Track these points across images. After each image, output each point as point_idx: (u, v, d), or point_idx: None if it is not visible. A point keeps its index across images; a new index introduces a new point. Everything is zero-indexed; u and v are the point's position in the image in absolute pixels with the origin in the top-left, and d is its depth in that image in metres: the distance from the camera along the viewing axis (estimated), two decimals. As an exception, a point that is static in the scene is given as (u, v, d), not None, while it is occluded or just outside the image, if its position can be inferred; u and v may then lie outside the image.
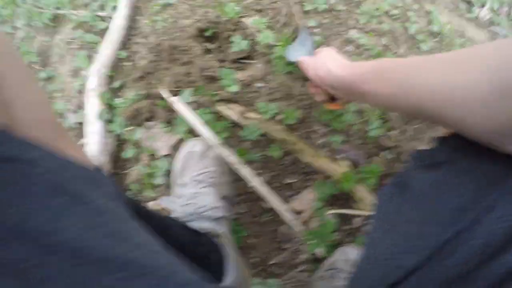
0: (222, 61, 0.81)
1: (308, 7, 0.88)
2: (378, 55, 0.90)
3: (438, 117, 0.35)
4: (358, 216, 0.82)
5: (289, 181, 0.78)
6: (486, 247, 0.31)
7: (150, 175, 0.76)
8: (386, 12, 0.96)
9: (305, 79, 0.81)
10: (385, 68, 0.44)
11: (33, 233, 0.24)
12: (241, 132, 0.75)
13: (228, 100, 0.77)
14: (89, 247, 0.26)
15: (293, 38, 0.80)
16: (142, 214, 0.48)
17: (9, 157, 0.26)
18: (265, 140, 0.77)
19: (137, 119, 0.79)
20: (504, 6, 1.15)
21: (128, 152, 0.78)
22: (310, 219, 0.79)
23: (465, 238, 0.32)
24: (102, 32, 0.94)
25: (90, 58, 0.91)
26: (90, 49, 0.94)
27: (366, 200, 0.79)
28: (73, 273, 0.25)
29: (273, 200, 0.74)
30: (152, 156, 0.77)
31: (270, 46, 0.83)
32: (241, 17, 0.86)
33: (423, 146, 0.94)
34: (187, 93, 0.77)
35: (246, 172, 0.73)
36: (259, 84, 0.81)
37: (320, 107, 0.81)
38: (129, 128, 0.79)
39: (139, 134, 0.78)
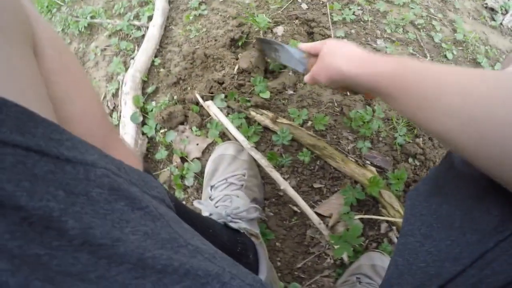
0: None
1: (337, 17, 0.90)
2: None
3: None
4: (385, 221, 0.82)
5: (317, 185, 0.79)
6: None
7: (181, 177, 0.78)
8: (411, 22, 0.98)
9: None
10: (410, 73, 0.37)
11: (96, 243, 0.23)
12: (272, 136, 0.77)
13: (259, 106, 0.79)
14: (150, 258, 0.25)
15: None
16: (185, 214, 0.50)
17: (68, 157, 0.24)
18: (295, 145, 0.79)
19: (170, 122, 0.81)
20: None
21: (160, 154, 0.81)
22: (337, 223, 0.80)
23: (505, 248, 0.31)
24: (137, 40, 0.98)
25: (125, 64, 0.96)
26: (125, 56, 0.98)
27: (393, 206, 0.80)
28: (136, 286, 0.24)
29: (301, 203, 0.75)
30: (183, 159, 0.80)
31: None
32: (272, 27, 0.89)
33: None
34: (220, 98, 0.79)
35: (276, 175, 0.74)
36: (289, 92, 0.83)
37: (348, 114, 0.82)
38: (162, 131, 0.82)
39: (171, 136, 0.80)
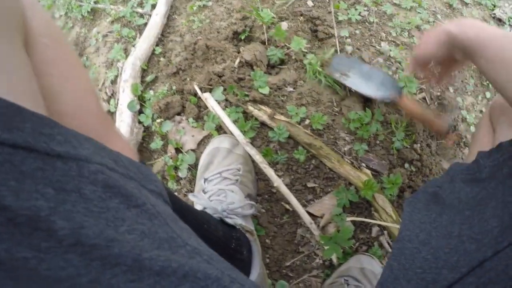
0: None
1: (342, 17, 0.90)
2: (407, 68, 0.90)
3: None
4: (377, 225, 0.82)
5: (311, 185, 0.79)
6: None
7: (175, 168, 0.78)
8: (417, 26, 0.97)
9: (334, 89, 0.83)
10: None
11: (89, 243, 0.21)
12: (268, 133, 0.77)
13: (258, 101, 0.79)
14: (148, 259, 0.23)
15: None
16: (180, 208, 0.48)
17: (59, 153, 0.22)
18: (291, 143, 0.78)
19: (167, 112, 0.81)
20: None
21: (156, 144, 0.80)
22: (328, 224, 0.79)
23: (503, 259, 0.32)
24: (139, 28, 0.97)
25: (125, 51, 0.95)
26: (126, 43, 0.97)
27: (386, 210, 0.79)
28: None
29: (294, 202, 0.75)
30: (178, 150, 0.79)
31: (302, 53, 0.85)
32: (275, 22, 0.88)
33: (445, 162, 0.94)
34: (219, 91, 0.79)
35: (270, 172, 0.74)
36: (289, 89, 0.82)
37: (347, 115, 0.82)
38: (158, 121, 0.81)
39: (167, 127, 0.80)
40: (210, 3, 0.94)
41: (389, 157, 0.84)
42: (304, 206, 0.77)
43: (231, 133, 0.76)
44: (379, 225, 0.82)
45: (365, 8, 0.96)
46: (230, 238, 0.60)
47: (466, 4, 1.16)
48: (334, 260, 0.80)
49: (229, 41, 0.85)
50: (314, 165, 0.79)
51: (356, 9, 0.94)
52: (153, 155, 0.82)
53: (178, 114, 0.82)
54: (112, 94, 0.90)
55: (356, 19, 0.91)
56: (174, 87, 0.84)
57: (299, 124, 0.79)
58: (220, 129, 0.78)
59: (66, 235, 0.21)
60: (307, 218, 0.76)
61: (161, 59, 0.90)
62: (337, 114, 0.83)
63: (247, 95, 0.78)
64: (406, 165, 0.85)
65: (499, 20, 1.16)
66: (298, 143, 0.78)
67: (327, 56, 0.84)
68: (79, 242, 0.21)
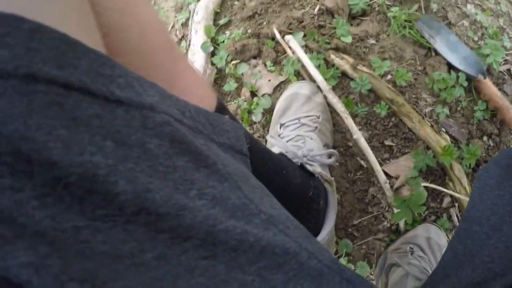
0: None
1: (432, -28, 0.84)
2: (494, 35, 0.85)
3: None
4: (449, 196, 0.78)
5: (388, 143, 0.75)
6: None
7: (249, 111, 0.75)
8: (507, -6, 0.91)
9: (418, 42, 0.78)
10: None
11: (156, 211, 0.17)
12: (350, 83, 0.73)
13: (340, 50, 0.75)
14: (223, 231, 0.20)
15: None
16: (258, 152, 0.44)
17: (120, 98, 0.18)
18: (372, 97, 0.75)
19: (243, 54, 0.78)
20: None
21: (229, 86, 0.77)
22: (402, 186, 0.75)
23: None
24: (212, -29, 0.94)
25: (197, -6, 0.92)
26: (197, -14, 0.94)
27: (461, 181, 0.75)
28: (205, 269, 0.19)
29: (371, 158, 0.71)
30: (253, 93, 0.76)
31: (386, 5, 0.80)
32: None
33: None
34: (299, 36, 0.75)
35: (350, 122, 0.70)
36: (371, 41, 0.78)
37: (431, 75, 0.77)
38: (233, 62, 0.78)
39: (243, 69, 0.77)
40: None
41: (468, 126, 0.79)
42: (380, 164, 0.73)
43: (312, 80, 0.72)
44: (451, 196, 0.78)
45: (452, -30, 0.90)
46: (308, 186, 0.56)
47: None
48: (402, 225, 0.76)
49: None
50: (393, 123, 0.75)
51: (443, -31, 0.88)
52: (225, 98, 0.79)
53: (254, 57, 0.78)
54: (182, 36, 0.88)
55: (444, -22, 0.86)
56: (249, 31, 0.80)
57: (382, 78, 0.75)
58: (299, 75, 0.75)
59: (129, 200, 0.17)
60: (382, 177, 0.72)
61: (235, 2, 0.86)
62: (419, 73, 0.78)
63: (329, 43, 0.75)
64: (485, 138, 0.81)
65: None
66: (379, 98, 0.74)
67: (411, 11, 0.79)
68: (144, 210, 0.17)
